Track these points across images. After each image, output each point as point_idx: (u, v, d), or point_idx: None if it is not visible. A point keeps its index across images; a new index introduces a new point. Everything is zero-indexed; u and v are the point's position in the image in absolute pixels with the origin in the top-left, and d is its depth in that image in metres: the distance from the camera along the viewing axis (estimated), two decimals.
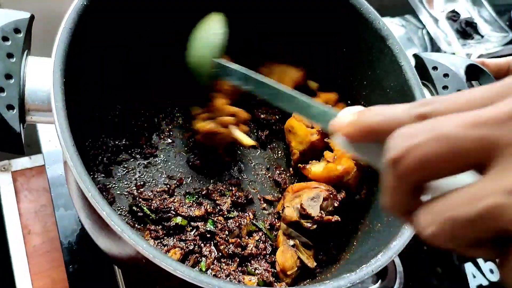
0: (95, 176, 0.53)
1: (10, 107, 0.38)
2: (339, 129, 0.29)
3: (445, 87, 0.54)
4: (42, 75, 0.40)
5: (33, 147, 0.64)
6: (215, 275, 0.50)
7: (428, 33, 0.90)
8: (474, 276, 0.68)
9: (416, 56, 0.57)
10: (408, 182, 0.24)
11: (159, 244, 0.52)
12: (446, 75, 0.54)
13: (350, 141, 0.29)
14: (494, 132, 0.22)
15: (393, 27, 0.90)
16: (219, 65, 0.50)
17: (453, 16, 0.89)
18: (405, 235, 0.43)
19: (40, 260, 0.61)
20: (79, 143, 0.38)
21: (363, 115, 0.27)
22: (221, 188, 0.58)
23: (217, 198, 0.57)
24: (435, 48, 0.88)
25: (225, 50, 0.52)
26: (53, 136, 0.64)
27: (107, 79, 0.49)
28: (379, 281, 0.62)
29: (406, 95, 0.52)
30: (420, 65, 0.56)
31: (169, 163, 0.58)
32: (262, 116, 0.64)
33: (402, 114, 0.25)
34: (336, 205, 0.53)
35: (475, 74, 0.56)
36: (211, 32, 0.51)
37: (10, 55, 0.39)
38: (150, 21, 0.54)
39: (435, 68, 0.55)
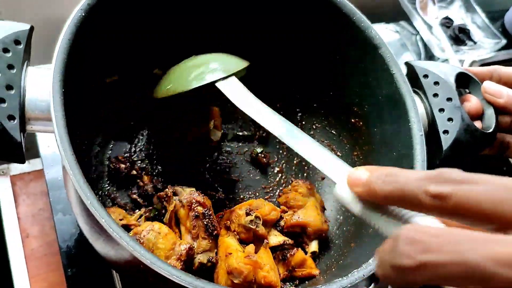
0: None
1: (11, 117, 0.39)
2: (355, 185, 0.28)
3: (435, 95, 0.55)
4: (41, 86, 0.41)
5: (32, 151, 0.65)
6: None
7: (422, 39, 0.91)
8: None
9: (407, 64, 0.58)
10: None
11: None
12: (436, 83, 0.56)
13: (358, 198, 0.28)
14: None
15: (388, 33, 0.91)
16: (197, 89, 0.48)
17: (447, 23, 0.90)
18: None
19: (38, 263, 0.62)
20: (79, 151, 0.39)
21: (375, 177, 0.26)
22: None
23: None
24: (429, 54, 0.89)
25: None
26: (52, 141, 0.65)
27: (106, 89, 0.51)
28: (372, 284, 0.64)
29: (397, 103, 0.53)
30: (411, 73, 0.57)
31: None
32: None
33: (417, 187, 0.24)
34: None
35: (464, 82, 0.57)
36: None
37: (10, 66, 0.40)
38: (149, 32, 0.55)
39: (425, 76, 0.56)
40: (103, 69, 0.50)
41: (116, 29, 0.51)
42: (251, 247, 0.49)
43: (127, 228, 0.51)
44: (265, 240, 0.51)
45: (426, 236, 0.21)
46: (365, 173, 0.27)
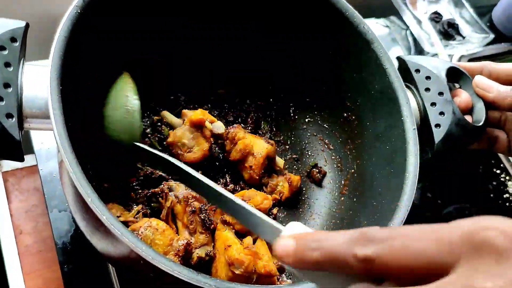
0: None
1: (9, 115, 0.39)
2: (284, 257, 0.27)
3: (427, 89, 0.56)
4: (39, 83, 0.41)
5: (24, 147, 0.65)
6: None
7: (411, 34, 0.92)
8: None
9: (399, 58, 0.59)
10: None
11: None
12: (428, 77, 0.57)
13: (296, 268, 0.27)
14: None
15: (378, 28, 0.92)
16: (140, 149, 0.47)
17: (436, 18, 0.92)
18: None
19: (33, 260, 0.62)
20: (77, 148, 0.39)
21: (302, 245, 0.26)
22: None
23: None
24: (419, 48, 0.90)
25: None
26: (45, 137, 0.64)
27: (104, 85, 0.50)
28: None
29: (390, 97, 0.54)
30: (403, 68, 0.58)
31: None
32: None
33: (344, 251, 0.24)
34: None
35: (455, 76, 0.58)
36: (127, 99, 0.48)
37: (7, 64, 0.40)
38: (146, 28, 0.55)
39: (417, 70, 0.57)
40: (100, 66, 0.50)
41: (112, 25, 0.51)
42: (249, 239, 0.50)
43: (125, 224, 0.51)
44: None
45: None
46: (291, 243, 0.26)
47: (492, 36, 0.92)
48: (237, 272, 0.46)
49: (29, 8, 0.66)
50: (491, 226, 0.22)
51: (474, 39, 0.90)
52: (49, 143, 0.64)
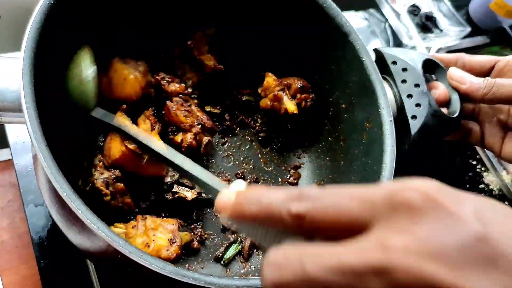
0: None
1: None
2: (223, 209, 0.28)
3: (403, 81, 0.57)
4: (10, 76, 0.40)
5: None
6: None
7: (390, 26, 0.93)
8: None
9: (376, 51, 0.59)
10: None
11: None
12: (404, 69, 0.57)
13: (235, 220, 0.28)
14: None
15: (357, 21, 0.93)
16: (96, 120, 0.50)
17: (414, 10, 0.92)
18: None
19: (9, 256, 0.61)
20: (52, 141, 0.39)
21: (241, 199, 0.27)
22: None
23: None
24: (397, 41, 0.91)
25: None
26: (20, 131, 0.63)
27: None
28: None
29: (367, 89, 0.54)
30: (380, 60, 0.58)
31: None
32: None
33: (279, 206, 0.24)
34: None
35: (431, 68, 0.59)
36: (82, 69, 0.50)
37: None
38: (120, 18, 0.55)
39: (394, 62, 0.58)
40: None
41: (87, 16, 0.50)
42: None
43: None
44: None
45: (280, 258, 0.23)
46: (232, 197, 0.27)
47: (468, 29, 0.93)
48: None
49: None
50: (411, 186, 0.23)
51: (451, 32, 0.92)
52: (24, 136, 0.62)
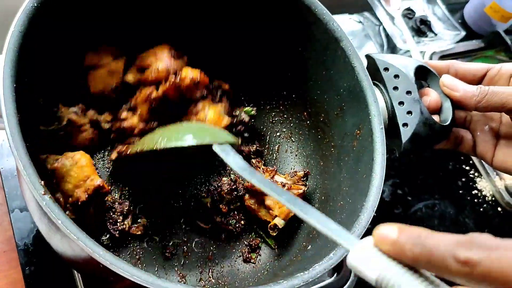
0: None
1: None
2: (381, 242, 0.27)
3: (395, 88, 0.56)
4: None
5: None
6: None
7: (385, 30, 0.92)
8: None
9: (368, 56, 0.59)
10: None
11: None
12: (396, 76, 0.56)
13: (386, 256, 0.27)
14: None
15: (351, 24, 0.92)
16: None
17: (409, 14, 0.92)
18: (356, 233, 0.46)
19: None
20: (32, 148, 0.38)
21: (404, 237, 0.26)
22: None
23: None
24: (391, 45, 0.91)
25: None
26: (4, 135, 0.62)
27: (62, 82, 0.49)
28: (335, 274, 0.65)
29: (358, 96, 0.54)
30: (372, 66, 0.57)
31: None
32: None
33: (446, 251, 0.24)
34: None
35: (423, 75, 0.58)
36: None
37: None
38: (105, 23, 0.54)
39: (386, 69, 0.57)
40: (57, 62, 0.48)
41: (71, 20, 0.49)
42: None
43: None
44: None
45: None
46: (394, 231, 0.27)
47: (463, 33, 0.93)
48: None
49: None
50: None
51: (446, 36, 0.91)
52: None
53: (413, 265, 0.26)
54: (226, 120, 0.58)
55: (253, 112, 0.63)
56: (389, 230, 0.27)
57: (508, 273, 0.23)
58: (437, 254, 0.24)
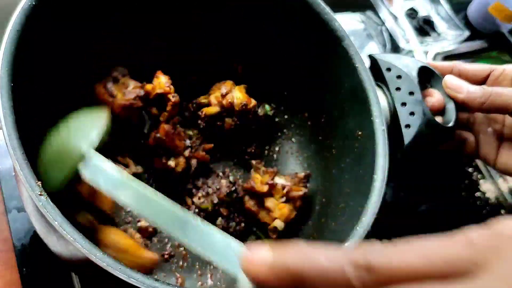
0: None
1: None
2: (250, 270, 0.21)
3: (398, 89, 0.55)
4: None
5: None
6: None
7: (387, 29, 0.91)
8: None
9: (370, 57, 0.58)
10: None
11: None
12: (399, 76, 0.56)
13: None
14: None
15: (353, 23, 0.91)
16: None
17: (412, 14, 0.91)
18: (358, 235, 0.45)
19: None
20: (29, 149, 0.37)
21: (283, 255, 0.21)
22: None
23: None
24: (394, 45, 0.90)
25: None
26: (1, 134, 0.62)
27: (60, 83, 0.48)
28: None
29: (360, 96, 0.53)
30: (375, 66, 0.57)
31: None
32: None
33: (341, 259, 0.20)
34: None
35: (426, 76, 0.57)
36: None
37: None
38: (104, 22, 0.53)
39: (389, 69, 0.56)
40: (57, 61, 0.48)
41: (71, 20, 0.48)
42: None
43: None
44: None
45: None
46: (268, 254, 0.21)
47: (467, 33, 0.92)
48: None
49: None
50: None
51: (449, 36, 0.90)
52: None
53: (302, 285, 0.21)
54: (253, 101, 0.59)
55: (270, 112, 0.63)
56: (261, 253, 0.22)
57: (412, 263, 0.21)
58: (329, 265, 0.20)
